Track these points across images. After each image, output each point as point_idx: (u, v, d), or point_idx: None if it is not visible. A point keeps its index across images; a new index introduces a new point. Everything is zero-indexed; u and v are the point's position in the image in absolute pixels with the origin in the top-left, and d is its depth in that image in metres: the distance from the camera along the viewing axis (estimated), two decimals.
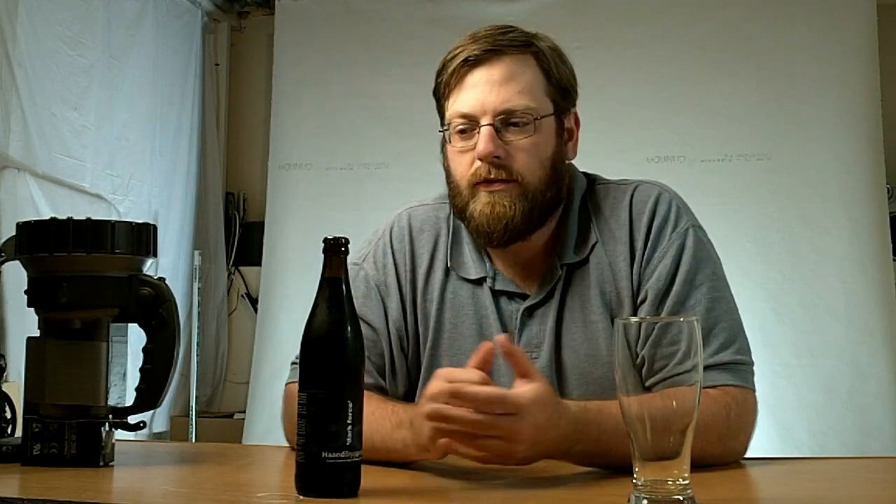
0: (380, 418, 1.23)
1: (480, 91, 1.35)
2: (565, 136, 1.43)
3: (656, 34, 3.90)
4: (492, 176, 1.34)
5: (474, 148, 1.35)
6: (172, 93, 4.09)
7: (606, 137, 3.62)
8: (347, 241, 1.05)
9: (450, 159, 1.41)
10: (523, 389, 1.10)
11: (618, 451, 1.11)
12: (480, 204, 1.35)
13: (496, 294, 1.42)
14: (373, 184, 4.03)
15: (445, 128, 1.41)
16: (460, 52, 1.38)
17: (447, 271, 1.45)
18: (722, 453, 1.24)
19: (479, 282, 1.43)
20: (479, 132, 1.35)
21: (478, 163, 1.35)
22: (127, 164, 3.71)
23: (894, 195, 3.80)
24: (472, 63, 1.37)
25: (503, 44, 1.38)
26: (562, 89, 1.41)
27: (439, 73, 1.41)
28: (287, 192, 4.17)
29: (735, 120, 3.80)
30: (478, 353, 1.17)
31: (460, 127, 1.37)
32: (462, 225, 1.46)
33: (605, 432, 1.14)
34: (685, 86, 3.85)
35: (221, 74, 4.53)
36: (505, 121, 1.35)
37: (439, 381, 1.12)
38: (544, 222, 1.40)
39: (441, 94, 1.42)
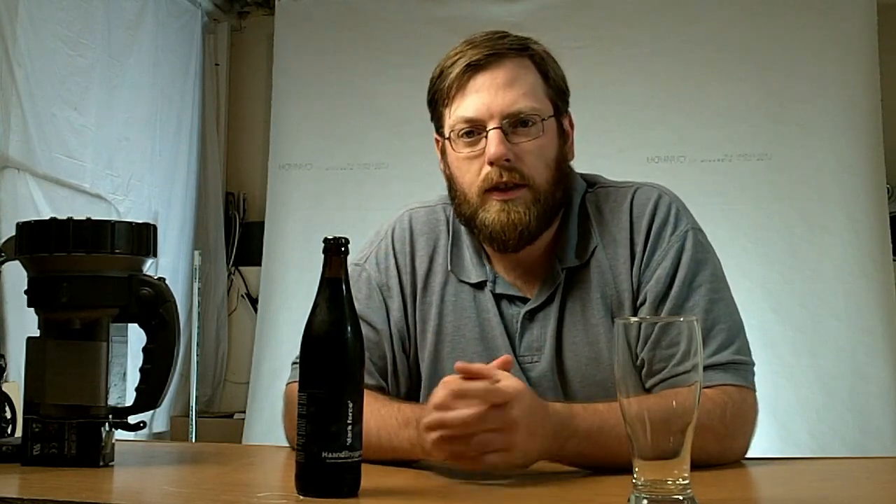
0: (386, 416, 1.24)
1: (486, 95, 1.35)
2: (564, 139, 1.43)
3: (656, 34, 3.89)
4: (504, 179, 1.34)
5: (482, 154, 1.35)
6: (172, 93, 4.09)
7: (606, 137, 3.62)
8: (347, 242, 1.05)
9: (454, 167, 1.40)
10: (506, 382, 1.12)
11: (608, 448, 1.12)
12: (493, 212, 1.35)
13: (497, 297, 1.42)
14: (373, 184, 4.02)
15: (447, 135, 1.39)
16: (460, 58, 1.37)
17: (447, 274, 1.45)
18: (720, 452, 1.23)
19: (479, 285, 1.43)
20: (486, 137, 1.34)
21: (487, 168, 1.34)
22: (127, 164, 3.71)
23: (894, 195, 3.80)
24: (474, 68, 1.36)
25: (503, 48, 1.37)
26: (559, 91, 1.42)
27: (437, 80, 1.40)
28: (287, 192, 4.17)
29: (735, 120, 3.80)
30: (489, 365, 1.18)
31: (465, 131, 1.36)
32: (462, 229, 1.46)
33: (594, 428, 1.15)
34: (685, 86, 3.85)
35: (221, 74, 4.53)
36: (512, 123, 1.34)
37: (444, 390, 1.12)
38: (552, 224, 1.40)
39: (441, 101, 1.40)
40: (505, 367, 1.18)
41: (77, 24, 3.33)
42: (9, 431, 1.30)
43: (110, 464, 1.22)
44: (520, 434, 1.10)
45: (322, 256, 1.04)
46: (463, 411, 1.09)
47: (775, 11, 3.83)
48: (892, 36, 3.82)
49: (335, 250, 1.04)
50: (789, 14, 3.81)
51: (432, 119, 1.45)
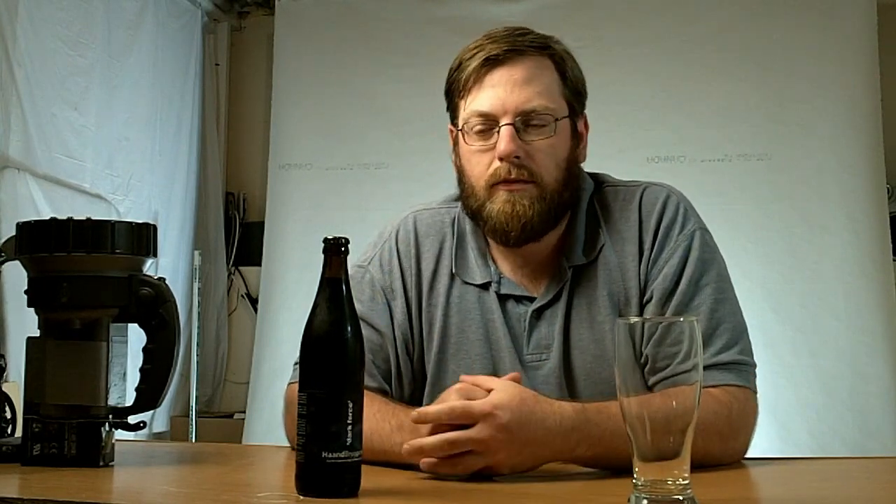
0: (381, 420, 1.23)
1: (501, 90, 1.35)
2: (577, 140, 1.43)
3: (656, 34, 3.89)
4: (512, 176, 1.34)
5: (493, 148, 1.35)
6: (172, 93, 4.09)
7: (606, 137, 3.60)
8: (347, 242, 1.05)
9: (465, 159, 1.41)
10: (485, 399, 1.12)
11: (623, 451, 1.11)
12: (499, 203, 1.35)
13: (502, 298, 1.42)
14: (373, 184, 4.03)
15: (461, 127, 1.40)
16: (479, 52, 1.37)
17: (452, 276, 1.45)
18: (722, 452, 1.23)
19: (484, 286, 1.43)
20: (498, 132, 1.34)
21: (497, 163, 1.35)
22: (127, 164, 3.71)
23: (894, 195, 3.80)
24: (492, 62, 1.36)
25: (523, 45, 1.37)
26: (576, 93, 1.42)
27: (455, 71, 1.40)
28: (287, 192, 4.17)
29: (735, 120, 3.80)
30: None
31: (478, 126, 1.37)
32: (467, 230, 1.46)
33: (608, 432, 1.14)
34: (685, 86, 3.85)
35: (221, 74, 4.53)
36: (525, 121, 1.35)
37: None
38: (558, 224, 1.40)
39: (457, 92, 1.41)
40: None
41: (77, 24, 3.33)
42: (9, 431, 1.30)
43: (110, 464, 1.22)
44: (501, 452, 1.10)
45: (322, 256, 1.04)
46: (438, 437, 1.10)
47: (775, 11, 3.83)
48: (892, 36, 3.81)
49: (335, 250, 1.04)
50: (789, 14, 3.81)
51: (448, 109, 1.45)
